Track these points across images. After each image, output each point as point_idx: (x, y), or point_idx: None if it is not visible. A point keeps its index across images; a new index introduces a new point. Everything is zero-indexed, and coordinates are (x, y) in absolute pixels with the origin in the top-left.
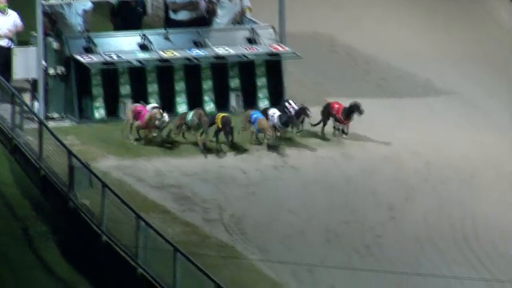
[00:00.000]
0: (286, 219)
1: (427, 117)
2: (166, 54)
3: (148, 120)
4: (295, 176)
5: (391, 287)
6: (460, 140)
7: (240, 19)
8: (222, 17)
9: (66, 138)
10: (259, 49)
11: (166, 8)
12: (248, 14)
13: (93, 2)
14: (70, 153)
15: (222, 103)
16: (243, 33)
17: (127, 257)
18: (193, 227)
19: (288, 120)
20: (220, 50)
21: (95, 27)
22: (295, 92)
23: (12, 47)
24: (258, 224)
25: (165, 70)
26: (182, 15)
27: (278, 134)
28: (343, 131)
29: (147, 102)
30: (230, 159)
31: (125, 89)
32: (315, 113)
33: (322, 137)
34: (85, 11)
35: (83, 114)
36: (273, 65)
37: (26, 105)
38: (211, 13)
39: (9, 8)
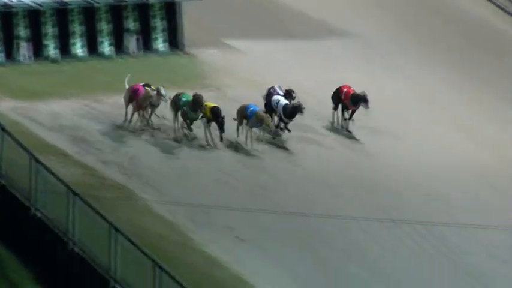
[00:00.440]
0: (182, 162)
1: (325, 58)
2: None
3: (143, 99)
4: None
5: (286, 227)
6: (356, 79)
7: None
8: None
9: None
10: None
11: None
12: None
13: None
14: None
15: (120, 46)
16: None
17: (22, 199)
18: (90, 169)
19: (294, 110)
20: None
21: None
22: (192, 34)
23: None
24: (154, 166)
25: (62, 12)
26: None
27: (282, 127)
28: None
29: (43, 45)
30: None
31: (22, 32)
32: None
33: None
34: None
35: None
36: (171, 7)
37: None
38: None
39: None
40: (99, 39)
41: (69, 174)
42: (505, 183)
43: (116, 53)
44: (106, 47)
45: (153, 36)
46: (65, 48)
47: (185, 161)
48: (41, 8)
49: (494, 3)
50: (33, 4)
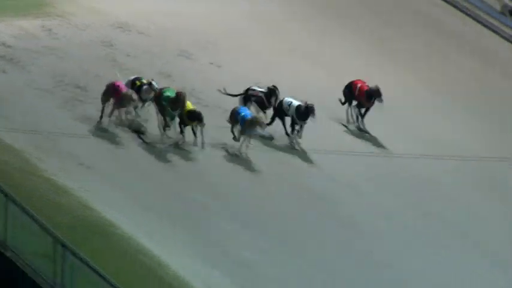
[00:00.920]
0: (32, 92)
1: None
2: None
3: (126, 100)
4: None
5: (130, 155)
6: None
7: None
8: None
9: None
10: None
11: None
12: None
13: None
14: None
15: None
16: None
17: None
18: None
19: (307, 111)
20: None
21: None
22: None
23: None
24: (3, 98)
25: None
26: None
27: (298, 135)
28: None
29: None
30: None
31: None
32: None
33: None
34: None
35: None
36: None
37: None
38: None
39: None
40: None
41: None
42: None
43: None
44: None
45: None
46: None
47: (27, 89)
48: None
49: None
50: None
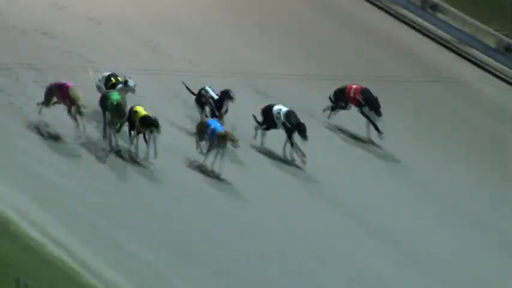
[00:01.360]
0: None
1: None
2: None
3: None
4: None
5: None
6: None
7: None
8: None
9: None
10: None
11: None
12: None
13: None
14: None
15: None
16: None
17: None
18: None
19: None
20: None
21: None
22: None
23: None
24: None
25: None
26: None
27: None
28: (375, 128)
29: None
30: None
31: None
32: None
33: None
34: None
35: None
36: None
37: None
38: None
39: None
40: None
41: None
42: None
43: None
44: None
45: None
46: None
47: None
48: None
49: None
50: None
